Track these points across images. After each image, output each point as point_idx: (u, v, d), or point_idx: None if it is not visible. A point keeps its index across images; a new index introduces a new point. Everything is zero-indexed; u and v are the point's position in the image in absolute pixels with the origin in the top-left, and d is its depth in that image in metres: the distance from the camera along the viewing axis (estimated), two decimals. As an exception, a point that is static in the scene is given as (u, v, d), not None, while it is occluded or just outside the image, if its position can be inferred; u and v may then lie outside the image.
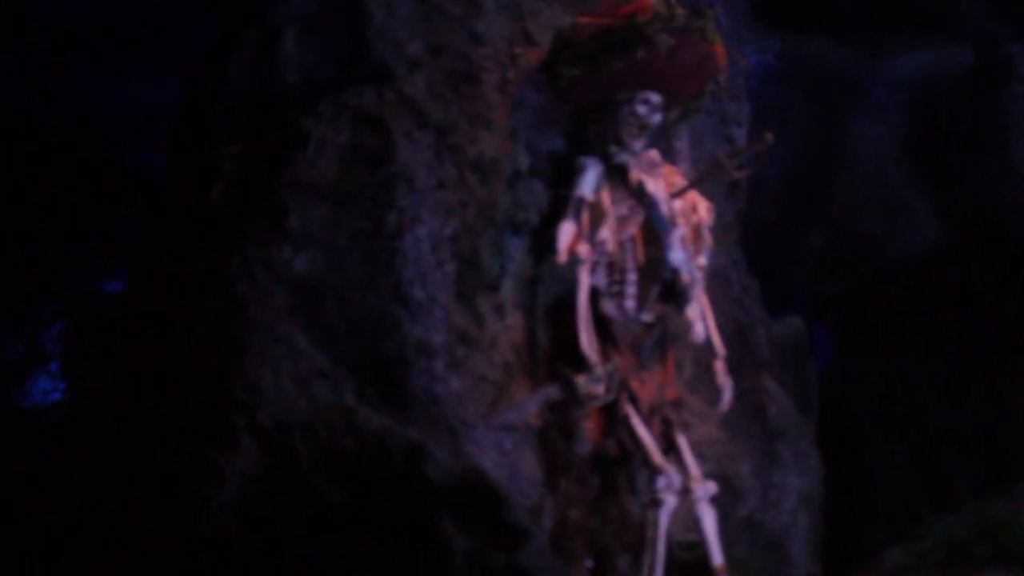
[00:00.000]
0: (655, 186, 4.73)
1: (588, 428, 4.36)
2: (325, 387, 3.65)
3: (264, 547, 3.24)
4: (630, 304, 4.69)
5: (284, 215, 4.08)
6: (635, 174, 4.72)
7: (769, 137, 4.55)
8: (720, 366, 4.69)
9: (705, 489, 4.29)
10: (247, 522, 3.30)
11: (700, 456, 4.67)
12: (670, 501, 4.14)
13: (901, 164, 8.57)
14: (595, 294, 4.60)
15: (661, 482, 4.15)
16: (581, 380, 4.18)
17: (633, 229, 4.74)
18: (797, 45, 8.44)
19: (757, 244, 6.86)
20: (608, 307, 4.57)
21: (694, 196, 4.93)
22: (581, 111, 4.96)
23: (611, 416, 4.37)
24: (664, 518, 4.10)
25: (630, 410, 4.32)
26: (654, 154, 4.84)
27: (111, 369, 4.01)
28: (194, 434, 3.51)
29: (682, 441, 4.47)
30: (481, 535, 3.19)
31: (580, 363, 4.32)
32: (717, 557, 4.20)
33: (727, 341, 5.06)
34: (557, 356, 4.50)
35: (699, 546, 4.31)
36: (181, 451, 3.48)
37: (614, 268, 4.71)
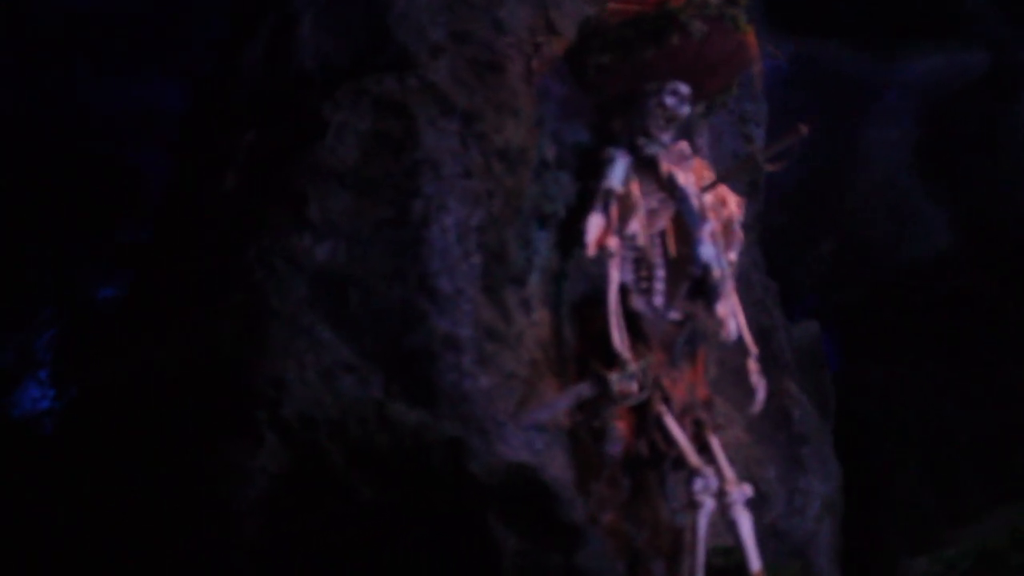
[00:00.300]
0: (686, 179, 4.58)
1: (619, 428, 4.17)
2: (352, 381, 3.44)
3: (293, 549, 3.02)
4: (659, 300, 4.52)
5: (303, 203, 3.89)
6: (665, 166, 4.57)
7: (803, 129, 4.43)
8: (753, 365, 4.53)
9: (741, 492, 4.11)
10: (274, 523, 3.07)
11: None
12: (708, 504, 3.96)
13: (913, 169, 8.50)
14: (623, 290, 4.43)
15: (698, 484, 3.97)
16: (614, 377, 4.00)
17: (663, 223, 4.59)
18: (809, 49, 8.34)
19: (766, 249, 6.74)
20: (637, 303, 4.40)
21: (724, 190, 4.79)
22: (607, 102, 4.81)
23: (643, 416, 4.19)
24: (703, 521, 3.91)
25: (663, 409, 4.14)
26: (684, 146, 4.69)
27: (118, 368, 3.79)
28: (213, 431, 3.29)
29: (715, 443, 4.29)
30: (533, 535, 2.97)
31: (610, 361, 4.14)
32: (755, 563, 4.01)
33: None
34: (585, 354, 4.33)
35: (734, 551, 4.12)
36: (200, 450, 3.25)
37: (641, 264, 4.54)
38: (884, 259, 8.59)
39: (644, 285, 4.53)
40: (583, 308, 4.45)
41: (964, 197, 8.16)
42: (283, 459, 3.19)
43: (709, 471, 4.02)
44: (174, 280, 4.26)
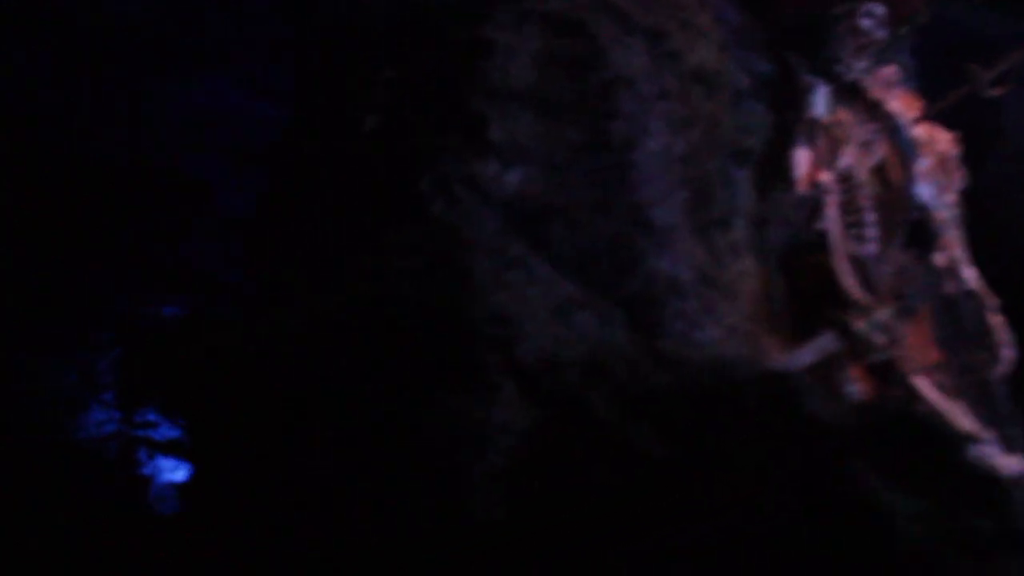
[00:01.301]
0: (897, 107, 3.93)
1: (859, 391, 3.47)
2: (590, 317, 2.77)
3: (554, 526, 2.30)
4: (870, 248, 3.85)
5: (483, 126, 3.25)
6: (873, 92, 3.93)
7: (1035, 44, 3.78)
8: (997, 319, 3.82)
9: (1010, 466, 3.39)
10: (525, 494, 2.34)
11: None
12: (990, 476, 3.23)
13: (1051, 138, 7.80)
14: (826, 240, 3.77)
15: (974, 453, 3.25)
16: (861, 327, 3.31)
17: (876, 157, 3.93)
18: (938, 7, 7.66)
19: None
20: (856, 249, 3.73)
21: (930, 126, 4.14)
22: (785, 31, 4.18)
23: (885, 376, 3.49)
24: (989, 497, 3.18)
25: (911, 367, 3.44)
26: (890, 71, 4.06)
27: (266, 331, 3.11)
28: (428, 385, 2.56)
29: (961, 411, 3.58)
30: (933, 492, 2.24)
31: (838, 314, 3.47)
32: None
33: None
34: (800, 309, 3.65)
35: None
36: (414, 411, 2.52)
37: (849, 207, 3.88)
38: (1021, 236, 7.87)
39: (852, 232, 3.86)
40: (791, 257, 3.78)
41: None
42: (528, 413, 2.48)
43: (988, 435, 3.30)
44: (303, 235, 3.64)
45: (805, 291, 3.70)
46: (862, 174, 3.81)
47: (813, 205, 3.78)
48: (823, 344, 3.36)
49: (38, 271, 8.21)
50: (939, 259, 3.88)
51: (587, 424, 2.41)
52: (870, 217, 3.90)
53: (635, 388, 2.49)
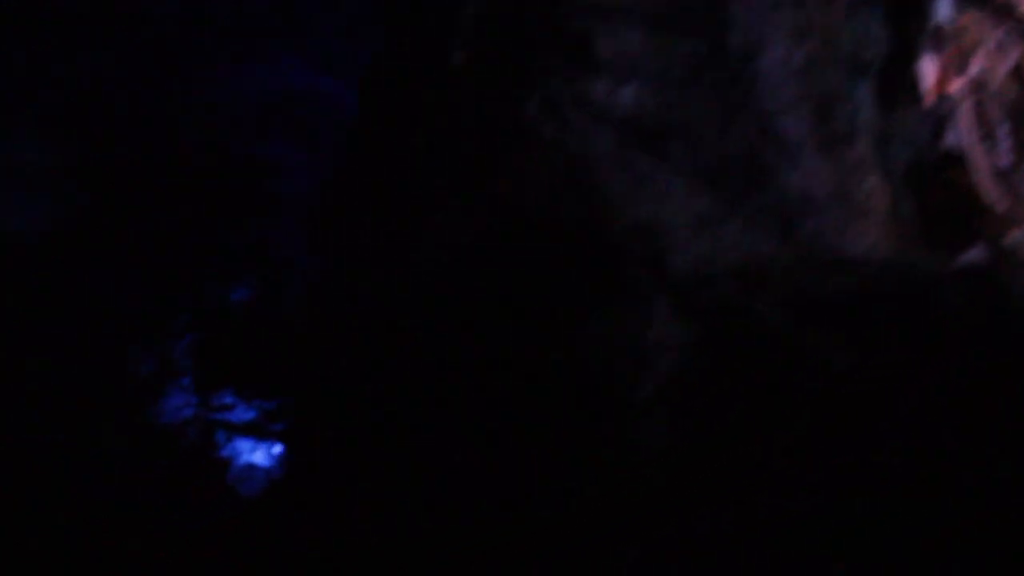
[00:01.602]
0: (1031, 5, 3.60)
1: (1011, 313, 3.18)
2: (736, 230, 2.53)
3: (731, 453, 2.06)
4: (1005, 161, 3.53)
5: (588, 43, 3.03)
6: (1003, -8, 3.60)
7: None
8: None
9: None
10: (690, 413, 2.11)
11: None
12: None
13: None
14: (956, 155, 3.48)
15: None
16: (1016, 236, 3.02)
17: (1011, 62, 3.60)
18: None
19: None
20: (993, 160, 3.43)
21: (1063, 28, 3.79)
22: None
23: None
24: None
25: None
26: (1020, -33, 3.71)
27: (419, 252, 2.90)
28: (577, 303, 2.33)
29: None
30: None
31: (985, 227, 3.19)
32: None
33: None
34: (929, 228, 3.37)
35: None
36: (564, 332, 2.29)
37: (981, 116, 3.57)
38: None
39: (987, 143, 3.55)
40: (917, 174, 3.49)
41: None
42: (685, 328, 2.26)
43: None
44: (392, 185, 3.46)
45: (935, 208, 3.42)
46: (995, 82, 3.50)
47: (941, 118, 3.49)
48: (972, 258, 3.08)
49: (112, 260, 8.19)
50: (1082, 174, 3.55)
51: (754, 335, 2.17)
52: (1004, 128, 3.59)
53: (803, 296, 2.24)
